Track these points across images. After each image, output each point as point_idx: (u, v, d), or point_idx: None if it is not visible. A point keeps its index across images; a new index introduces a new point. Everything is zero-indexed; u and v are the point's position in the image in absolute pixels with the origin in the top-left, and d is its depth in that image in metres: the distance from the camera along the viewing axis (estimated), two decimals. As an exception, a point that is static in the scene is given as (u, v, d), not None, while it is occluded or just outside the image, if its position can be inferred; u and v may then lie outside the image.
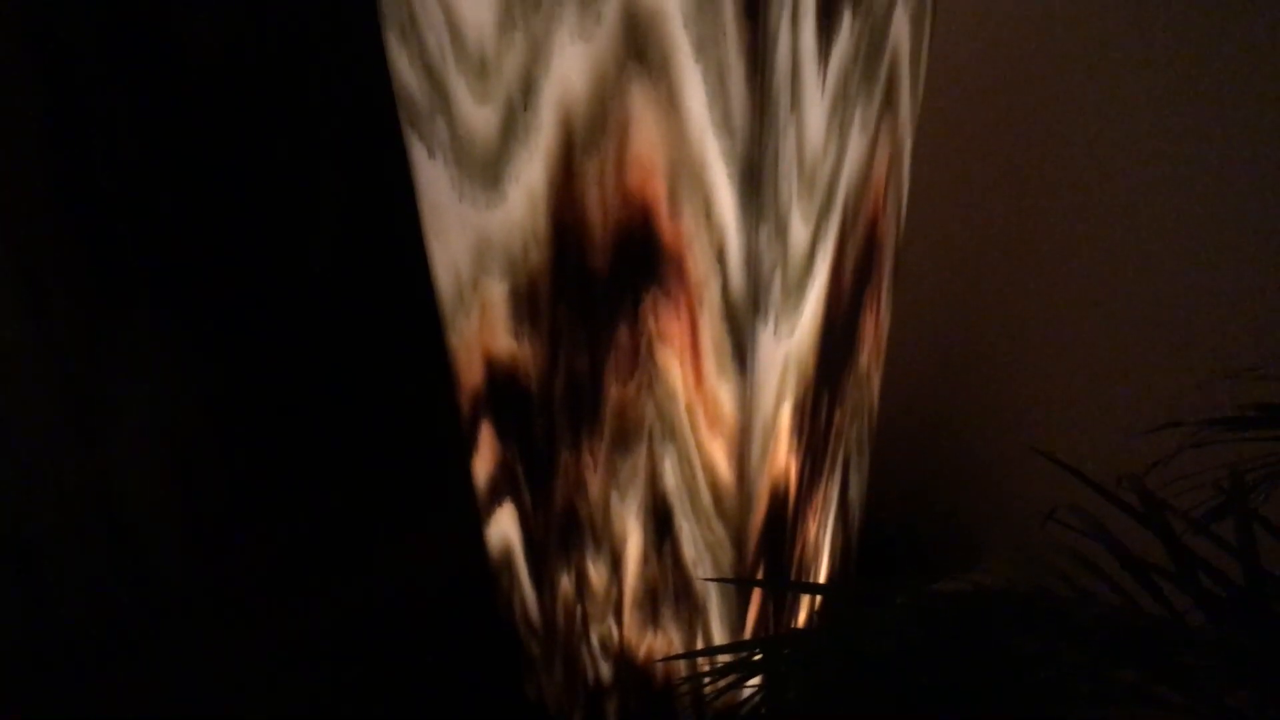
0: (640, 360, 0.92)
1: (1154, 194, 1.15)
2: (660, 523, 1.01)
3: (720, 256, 0.82)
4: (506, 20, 0.81)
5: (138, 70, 1.16)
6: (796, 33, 0.76)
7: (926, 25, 1.02)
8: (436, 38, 0.86)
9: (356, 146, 1.29)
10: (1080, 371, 1.28)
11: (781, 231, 0.84)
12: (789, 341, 0.92)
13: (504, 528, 1.18)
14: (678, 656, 1.11)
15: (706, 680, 0.93)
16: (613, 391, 0.96)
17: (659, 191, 0.82)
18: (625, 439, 0.98)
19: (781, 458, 0.99)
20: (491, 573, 1.25)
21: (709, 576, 1.01)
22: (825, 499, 1.14)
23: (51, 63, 1.10)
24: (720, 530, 0.98)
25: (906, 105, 1.02)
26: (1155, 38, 1.10)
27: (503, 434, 1.09)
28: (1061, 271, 1.26)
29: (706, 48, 0.74)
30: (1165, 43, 1.10)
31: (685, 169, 0.80)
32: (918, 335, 1.46)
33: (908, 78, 1.00)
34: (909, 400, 1.50)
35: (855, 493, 1.25)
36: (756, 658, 0.77)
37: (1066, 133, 1.21)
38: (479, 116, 0.87)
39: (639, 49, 0.77)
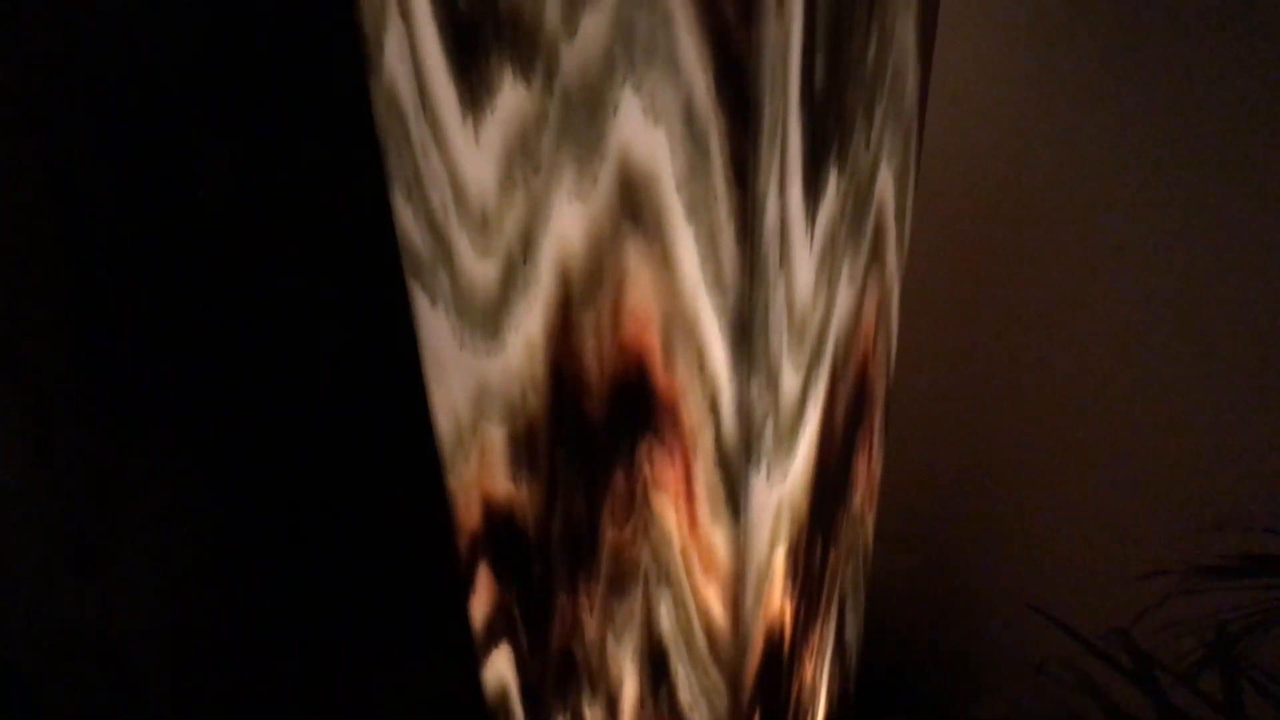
0: (636, 505, 0.93)
1: (1141, 347, 1.18)
2: (656, 667, 1.01)
3: (713, 406, 0.85)
4: (507, 180, 0.85)
5: (150, 216, 1.20)
6: (784, 196, 0.79)
7: (911, 178, 1.06)
8: (440, 195, 0.90)
9: (361, 296, 1.33)
10: (1071, 518, 1.29)
11: (773, 381, 0.86)
12: (782, 487, 0.94)
13: (500, 669, 1.17)
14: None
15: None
16: (609, 535, 0.97)
17: (653, 343, 0.85)
18: (621, 582, 0.99)
19: (776, 601, 1.00)
20: (487, 715, 1.24)
21: (704, 723, 1.01)
22: (821, 641, 1.14)
23: (65, 208, 1.14)
24: (716, 675, 0.98)
25: (894, 254, 1.06)
26: (1144, 186, 1.15)
27: (500, 575, 1.09)
28: (1051, 419, 1.28)
29: (698, 210, 0.78)
30: (1153, 199, 1.14)
31: (679, 323, 0.83)
32: (911, 474, 1.48)
33: (894, 229, 1.04)
34: (905, 540, 1.50)
35: (851, 634, 1.25)
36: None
37: (1054, 284, 1.24)
38: (480, 269, 0.91)
39: (634, 210, 0.80)
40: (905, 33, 0.94)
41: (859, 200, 0.92)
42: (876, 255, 1.00)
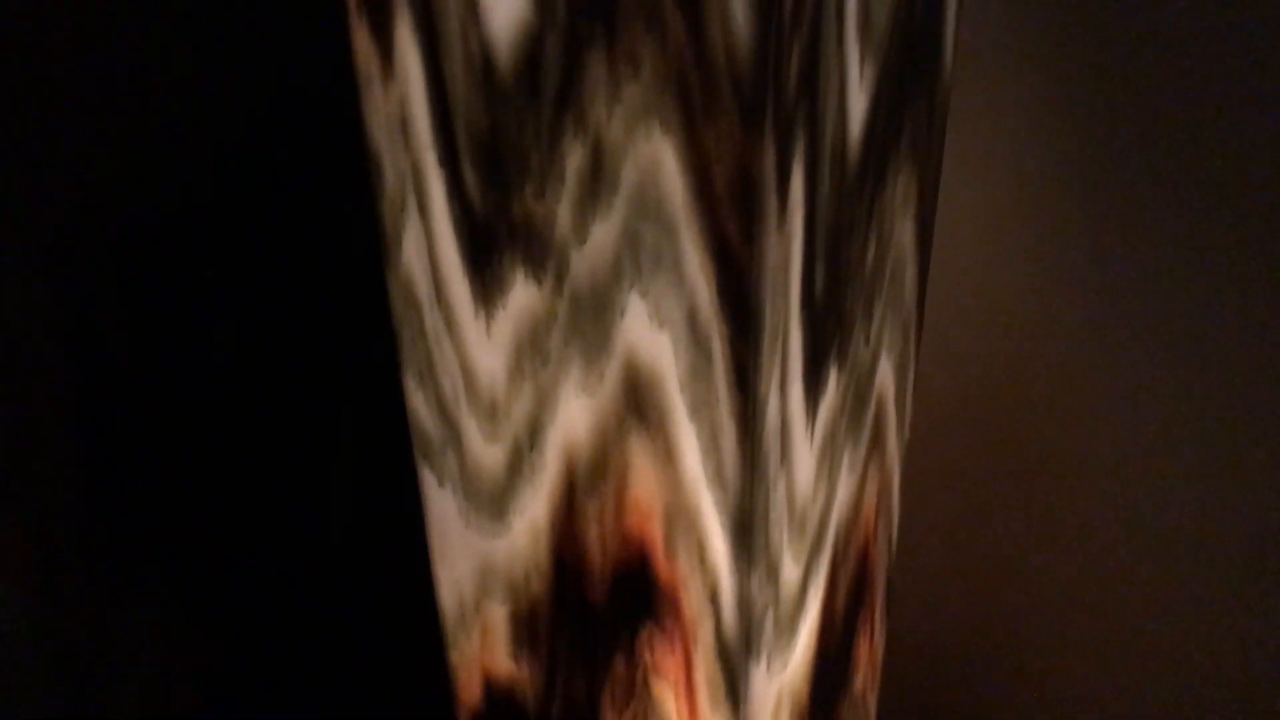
0: (636, 691, 0.94)
1: (1147, 537, 1.19)
2: None
3: (714, 598, 0.86)
4: (517, 372, 0.88)
5: (161, 368, 1.22)
6: (785, 396, 0.82)
7: (911, 364, 1.09)
8: (451, 382, 0.92)
9: (371, 474, 1.35)
10: (1072, 710, 1.28)
11: (773, 574, 0.87)
12: (782, 675, 0.94)
13: None
14: None
15: None
16: (609, 719, 0.97)
17: (655, 534, 0.86)
18: (620, 767, 0.98)
19: (776, 791, 0.99)
20: None
21: None
22: (823, 827, 1.13)
23: (76, 346, 1.17)
24: None
25: (894, 439, 1.08)
26: (1148, 380, 1.17)
27: (499, 753, 1.09)
28: (1054, 604, 1.28)
29: (700, 410, 0.80)
30: (1158, 396, 1.16)
31: (680, 516, 0.84)
32: (914, 650, 1.47)
33: (894, 415, 1.06)
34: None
35: (854, 816, 1.23)
36: None
37: (1058, 464, 1.25)
38: (488, 454, 0.93)
39: (638, 406, 0.82)
40: (903, 232, 0.97)
41: (859, 392, 0.95)
42: (877, 442, 1.02)
